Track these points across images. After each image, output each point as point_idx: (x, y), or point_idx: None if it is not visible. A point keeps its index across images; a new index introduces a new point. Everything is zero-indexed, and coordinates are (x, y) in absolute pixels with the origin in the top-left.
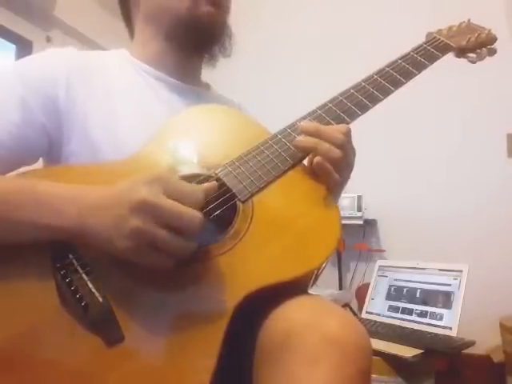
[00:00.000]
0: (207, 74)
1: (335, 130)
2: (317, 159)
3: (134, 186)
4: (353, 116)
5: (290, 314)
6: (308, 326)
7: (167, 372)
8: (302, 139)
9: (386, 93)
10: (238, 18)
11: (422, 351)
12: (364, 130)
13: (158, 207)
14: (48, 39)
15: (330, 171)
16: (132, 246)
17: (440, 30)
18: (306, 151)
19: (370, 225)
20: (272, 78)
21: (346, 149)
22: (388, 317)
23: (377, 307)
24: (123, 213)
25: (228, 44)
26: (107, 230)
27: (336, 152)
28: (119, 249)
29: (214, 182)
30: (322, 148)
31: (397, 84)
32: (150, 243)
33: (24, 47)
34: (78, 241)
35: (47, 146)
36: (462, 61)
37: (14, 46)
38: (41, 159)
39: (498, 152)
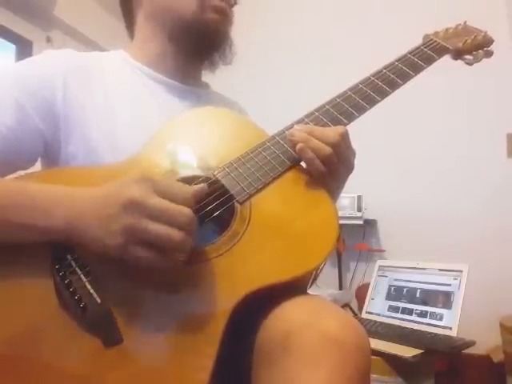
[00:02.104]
0: (207, 77)
1: (328, 130)
2: (307, 156)
3: (123, 185)
4: (350, 117)
5: (289, 315)
6: (307, 326)
7: (166, 372)
8: (294, 133)
9: (383, 94)
10: (237, 20)
11: (422, 351)
12: (364, 130)
13: (147, 204)
14: (48, 39)
15: (323, 170)
16: (123, 242)
17: (437, 32)
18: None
19: (370, 225)
20: (270, 80)
21: (340, 148)
22: (388, 317)
23: (377, 307)
24: (113, 212)
25: (228, 52)
26: (96, 230)
27: (326, 149)
28: (110, 247)
29: (204, 184)
30: (312, 144)
31: (393, 86)
32: (141, 239)
33: (24, 47)
34: (69, 241)
35: (42, 149)
36: (461, 62)
37: (13, 46)
38: (39, 162)
39: (498, 152)
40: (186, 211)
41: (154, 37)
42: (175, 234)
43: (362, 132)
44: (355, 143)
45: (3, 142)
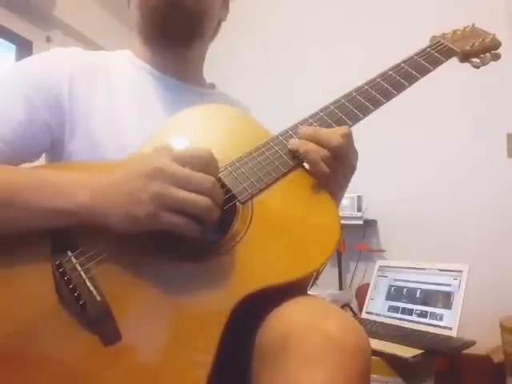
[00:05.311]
0: (207, 75)
1: (334, 130)
2: (313, 158)
3: (142, 158)
4: (355, 119)
5: (289, 316)
6: (307, 328)
7: (164, 369)
8: (294, 142)
9: (389, 96)
10: (238, 19)
11: (422, 351)
12: (364, 130)
13: (172, 171)
14: (48, 39)
15: (327, 172)
16: (153, 210)
17: (444, 34)
18: (298, 154)
19: (370, 225)
20: (274, 79)
21: (344, 149)
22: (388, 317)
23: (377, 307)
24: (139, 183)
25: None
26: (123, 204)
27: (332, 149)
28: (139, 218)
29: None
30: (318, 145)
31: (399, 88)
32: (171, 205)
33: (24, 47)
34: (89, 223)
35: (49, 143)
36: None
37: (14, 46)
38: (43, 157)
39: (498, 152)
40: (209, 177)
41: (141, 41)
42: (202, 198)
43: (362, 132)
44: (355, 143)
45: (16, 136)
